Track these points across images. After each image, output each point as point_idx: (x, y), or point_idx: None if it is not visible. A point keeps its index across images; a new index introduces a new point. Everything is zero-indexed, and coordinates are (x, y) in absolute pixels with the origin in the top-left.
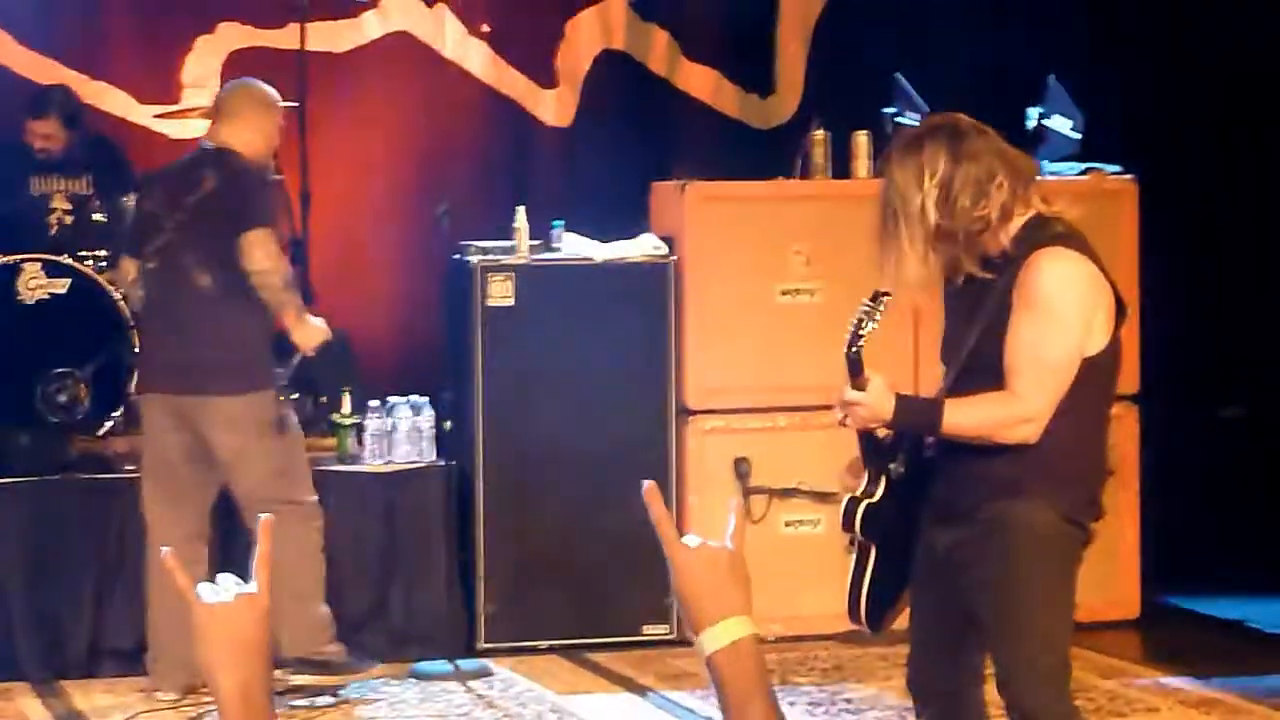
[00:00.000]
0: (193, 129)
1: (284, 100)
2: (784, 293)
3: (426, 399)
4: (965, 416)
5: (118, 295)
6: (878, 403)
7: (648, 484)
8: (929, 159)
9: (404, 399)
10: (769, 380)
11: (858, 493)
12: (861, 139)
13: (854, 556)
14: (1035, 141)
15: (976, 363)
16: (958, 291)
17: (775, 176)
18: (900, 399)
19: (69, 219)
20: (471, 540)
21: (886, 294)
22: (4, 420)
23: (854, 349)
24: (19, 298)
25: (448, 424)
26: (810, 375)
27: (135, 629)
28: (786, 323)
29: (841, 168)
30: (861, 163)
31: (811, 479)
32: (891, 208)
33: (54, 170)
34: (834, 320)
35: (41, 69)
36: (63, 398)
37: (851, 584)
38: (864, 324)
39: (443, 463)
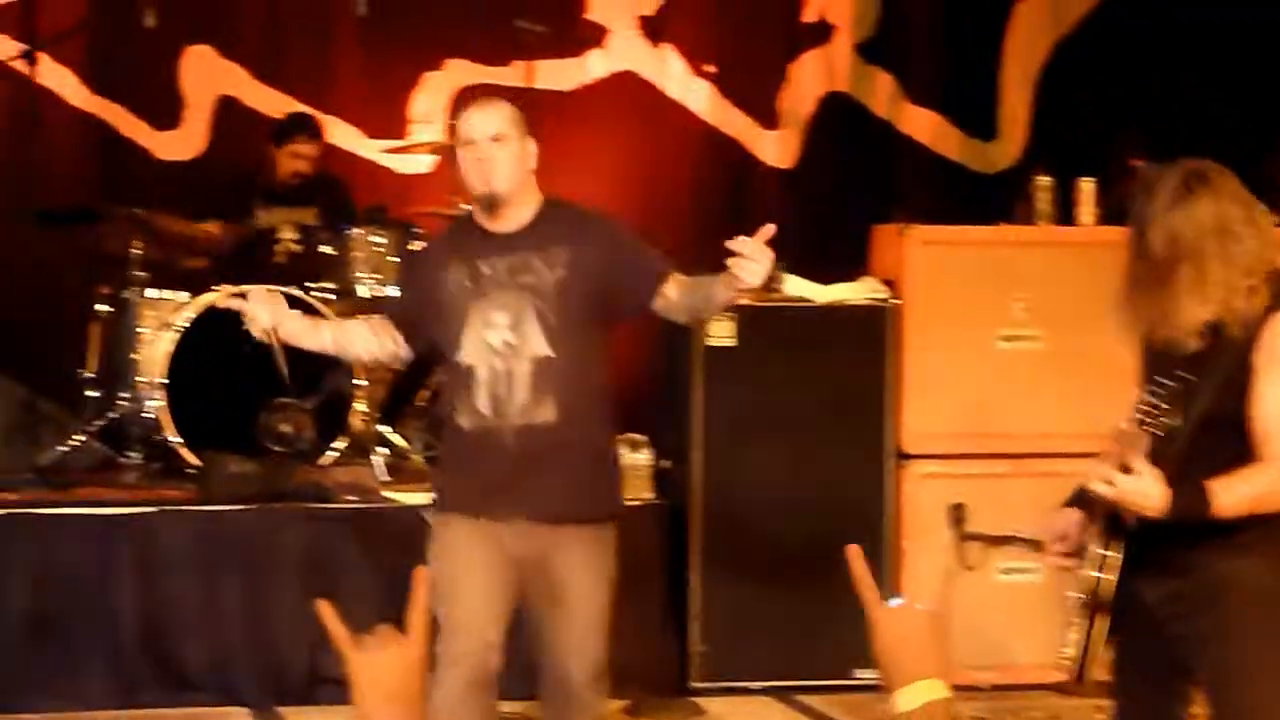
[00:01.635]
0: (418, 164)
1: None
2: (1004, 339)
3: (645, 438)
4: (1236, 496)
5: None
6: (1155, 492)
7: (851, 547)
8: (1208, 201)
9: (622, 437)
10: (987, 426)
11: (1098, 564)
12: (1086, 185)
13: (1085, 621)
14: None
15: (1215, 422)
16: (1163, 349)
17: (997, 222)
18: (1174, 490)
19: (297, 249)
20: (685, 580)
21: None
22: (228, 449)
23: (1148, 426)
24: (246, 327)
25: (665, 463)
26: (1028, 422)
27: None
28: (1006, 369)
29: (1065, 214)
30: (1086, 209)
31: (1028, 526)
32: (1169, 250)
33: (281, 202)
34: (1054, 368)
35: (272, 102)
36: (286, 428)
37: (1079, 647)
38: (1158, 409)
39: (659, 502)
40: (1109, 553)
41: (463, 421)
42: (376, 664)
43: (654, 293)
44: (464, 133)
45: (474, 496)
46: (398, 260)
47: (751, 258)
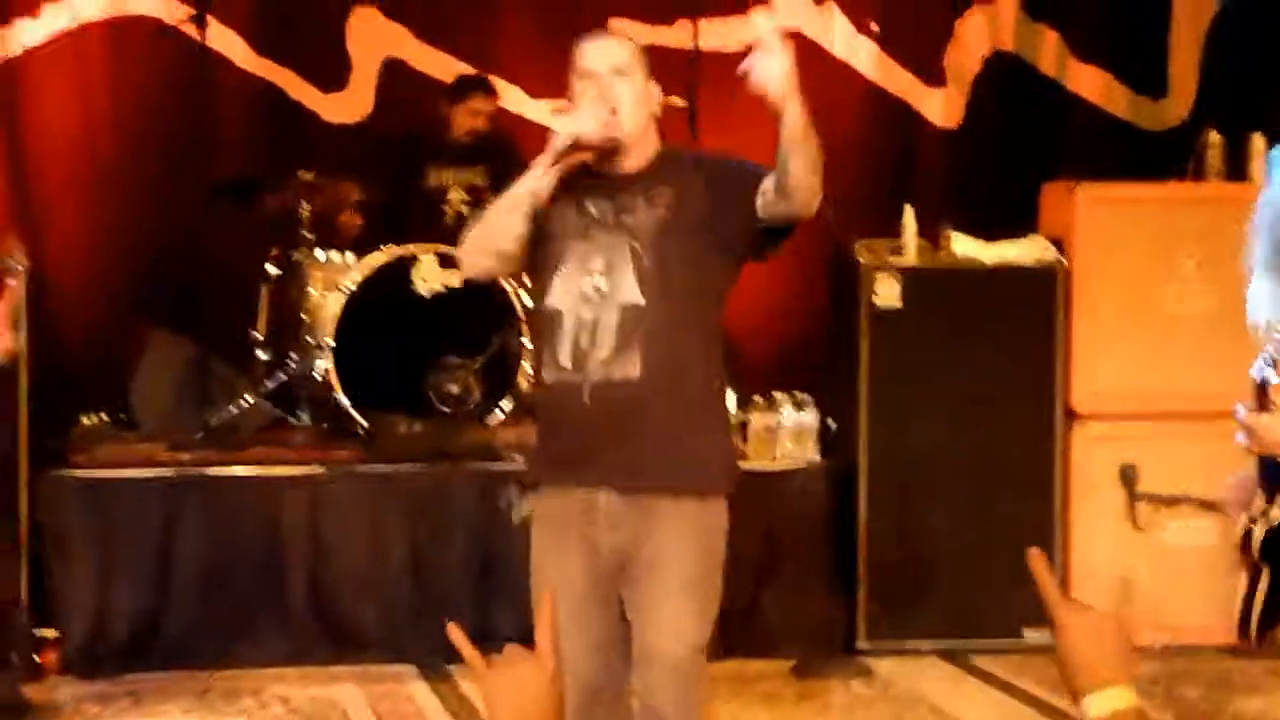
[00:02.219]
0: None
1: (675, 98)
2: (1175, 297)
3: (810, 398)
4: None
5: (510, 288)
6: None
7: (1033, 551)
8: None
9: (788, 397)
10: (1158, 386)
11: (1255, 515)
12: (1258, 141)
13: (1246, 575)
14: None
15: None
16: None
17: (1167, 179)
18: None
19: (465, 210)
20: (852, 540)
21: None
22: (396, 409)
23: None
24: (414, 288)
25: (831, 423)
26: (1200, 382)
27: (521, 616)
28: (1177, 328)
29: (1235, 170)
30: (1257, 165)
31: (1199, 487)
32: None
33: (453, 161)
34: (1225, 326)
35: (437, 63)
36: (454, 388)
37: (1244, 602)
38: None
39: (825, 462)
40: (1268, 504)
41: (546, 375)
42: (507, 684)
43: (752, 198)
44: (581, 64)
45: (560, 463)
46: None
47: (764, 52)
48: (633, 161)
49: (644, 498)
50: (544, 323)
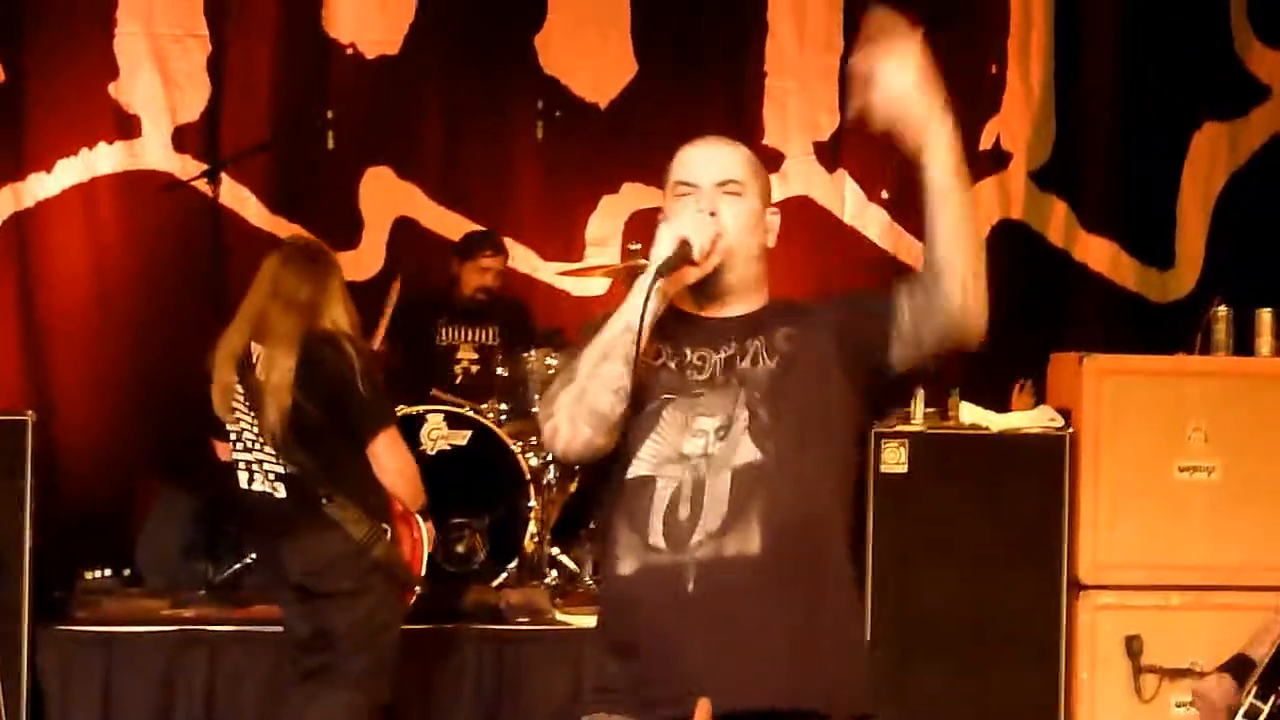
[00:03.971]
0: (594, 287)
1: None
2: (1181, 469)
3: None
4: None
5: (517, 448)
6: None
7: None
8: None
9: None
10: (1164, 558)
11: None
12: (1266, 316)
13: None
14: None
15: None
16: None
17: (1174, 351)
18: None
19: (474, 369)
20: None
21: None
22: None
23: None
24: (421, 447)
25: None
26: (1206, 554)
27: None
28: (1183, 500)
29: (1242, 344)
30: (1265, 340)
31: (1205, 660)
32: None
33: (464, 319)
34: (1232, 499)
35: (449, 223)
36: (459, 548)
37: None
38: None
39: None
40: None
41: (624, 564)
42: None
43: (888, 315)
44: (678, 174)
45: (635, 686)
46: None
47: (889, 52)
48: (740, 303)
49: None
50: (622, 498)
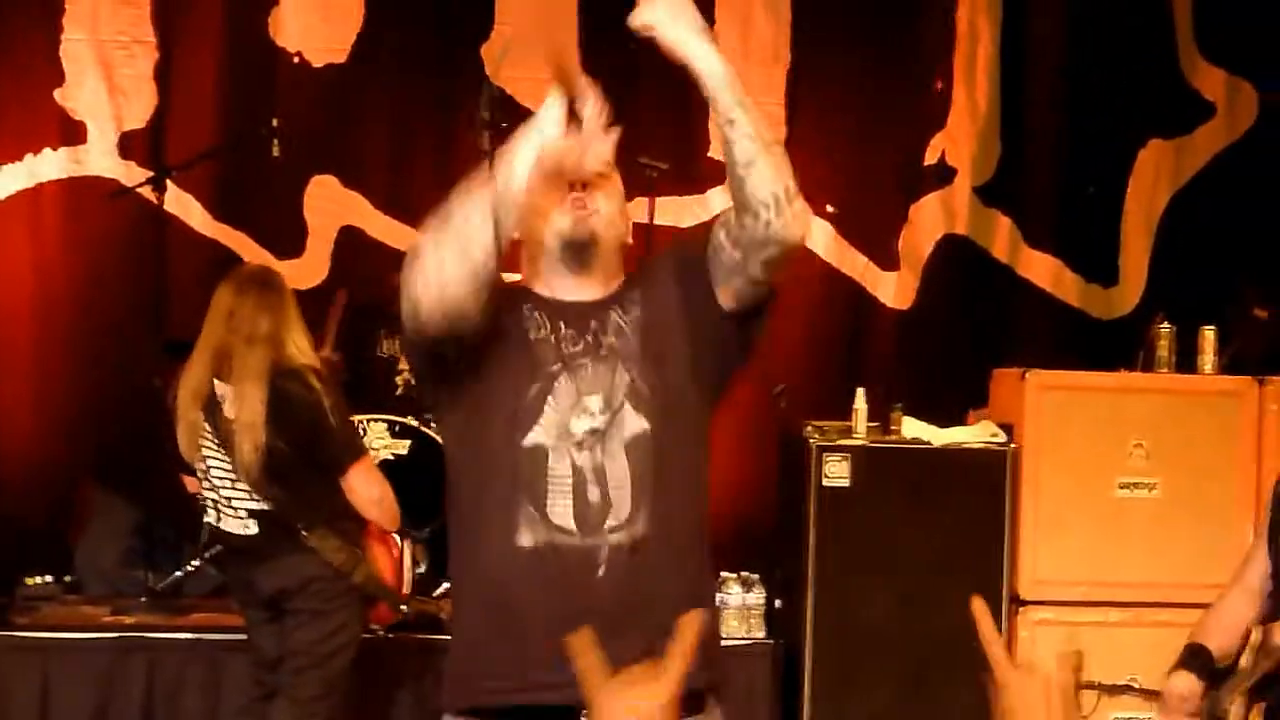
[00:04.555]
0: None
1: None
2: (1122, 485)
3: (757, 576)
4: None
5: None
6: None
7: (976, 599)
8: None
9: (734, 575)
10: (1104, 574)
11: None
12: (1208, 333)
13: None
14: None
15: None
16: None
17: (1116, 368)
18: None
19: (412, 380)
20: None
21: None
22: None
23: None
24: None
25: (777, 602)
26: (1146, 571)
27: None
28: (1124, 516)
29: (1185, 361)
30: (1207, 358)
31: (1144, 677)
32: None
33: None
34: (1173, 516)
35: (395, 232)
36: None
37: None
38: None
39: (771, 641)
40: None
41: (523, 538)
42: (622, 702)
43: (709, 241)
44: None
45: (523, 668)
46: None
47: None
48: (601, 287)
49: None
50: (517, 467)
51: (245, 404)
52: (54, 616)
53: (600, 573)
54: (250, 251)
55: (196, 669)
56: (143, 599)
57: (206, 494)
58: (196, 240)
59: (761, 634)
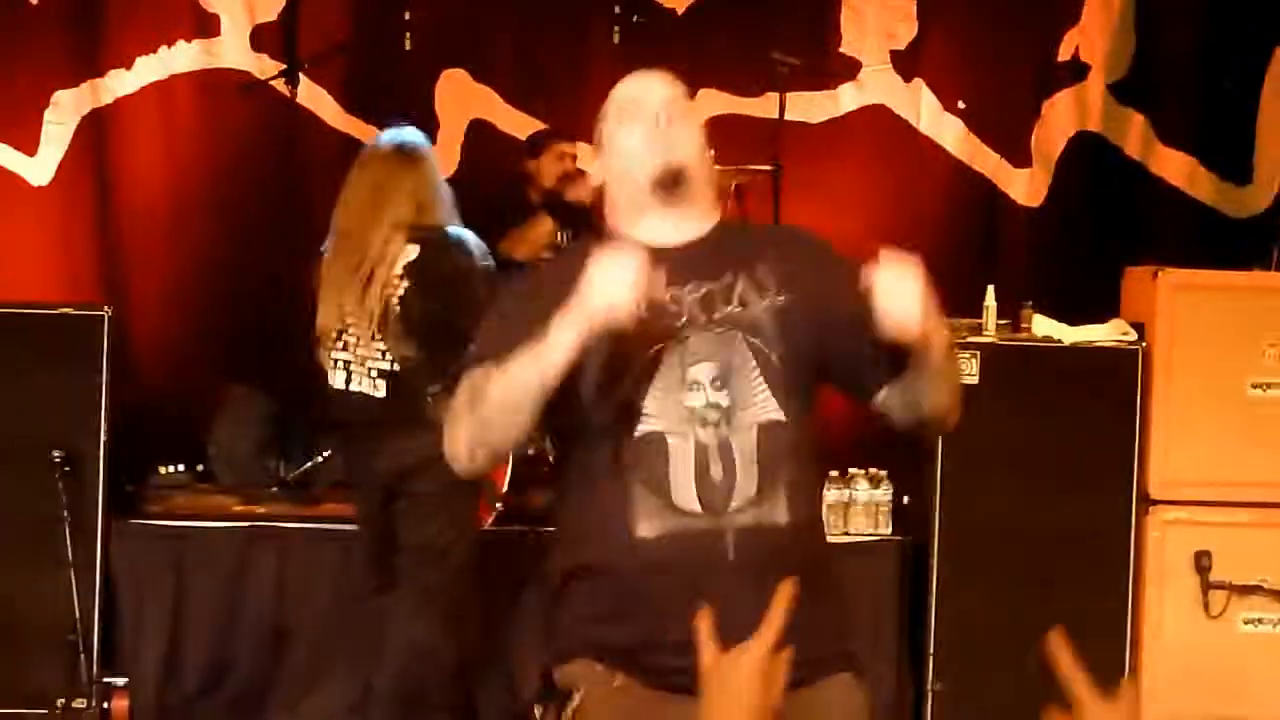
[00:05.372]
0: None
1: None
2: (1254, 386)
3: (885, 473)
4: None
5: None
6: None
7: (1054, 636)
8: None
9: (862, 471)
10: (1234, 474)
11: None
12: None
13: None
14: None
15: None
16: None
17: (1250, 267)
18: None
19: None
20: (923, 617)
21: None
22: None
23: None
24: None
25: (905, 499)
26: (1277, 471)
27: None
28: (1255, 416)
29: None
30: None
31: (1274, 577)
32: None
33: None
34: None
35: (525, 126)
36: (529, 450)
37: None
38: None
39: (898, 537)
40: None
41: (643, 528)
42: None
43: (879, 382)
44: (623, 105)
45: (638, 650)
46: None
47: (893, 291)
48: (697, 226)
49: (810, 690)
50: (634, 456)
51: (388, 257)
52: (186, 506)
53: (730, 556)
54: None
55: (326, 558)
56: (274, 489)
57: (337, 355)
58: (328, 133)
59: (888, 530)
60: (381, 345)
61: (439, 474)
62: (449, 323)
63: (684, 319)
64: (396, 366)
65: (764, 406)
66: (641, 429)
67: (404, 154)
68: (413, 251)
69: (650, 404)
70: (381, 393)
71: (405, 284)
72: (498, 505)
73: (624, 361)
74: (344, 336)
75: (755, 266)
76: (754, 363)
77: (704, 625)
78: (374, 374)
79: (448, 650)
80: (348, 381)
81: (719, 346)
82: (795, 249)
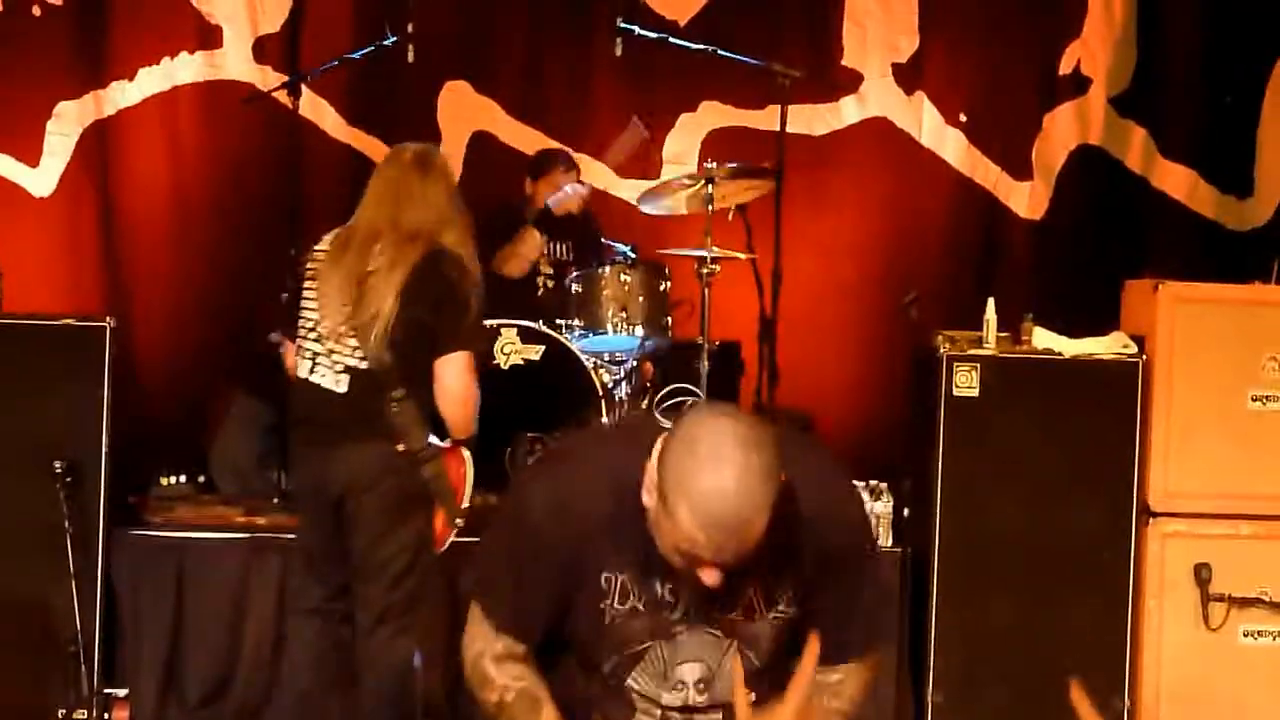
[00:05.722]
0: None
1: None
2: (1255, 398)
3: (886, 485)
4: None
5: (589, 364)
6: None
7: (1074, 684)
8: None
9: (863, 484)
10: (1234, 486)
11: None
12: None
13: None
14: None
15: None
16: None
17: (1251, 280)
18: None
19: (550, 284)
20: (923, 628)
21: None
22: (473, 481)
23: None
24: (494, 361)
25: (905, 510)
26: (1277, 484)
27: None
28: (1256, 430)
29: None
30: None
31: (1274, 590)
32: None
33: (543, 232)
34: None
35: (527, 139)
36: (531, 461)
37: None
38: None
39: (899, 549)
40: None
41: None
42: None
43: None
44: (706, 528)
45: None
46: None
47: None
48: None
49: None
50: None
51: (392, 262)
52: (188, 516)
53: None
54: (382, 155)
55: None
56: (275, 500)
57: (308, 345)
58: (330, 145)
59: (889, 542)
60: (354, 341)
61: (392, 489)
62: (426, 330)
63: (680, 613)
64: (364, 364)
65: (728, 695)
66: (618, 684)
67: (425, 162)
68: (416, 258)
69: (632, 681)
70: (343, 388)
71: (399, 290)
72: (458, 522)
73: (611, 649)
74: (319, 328)
75: (779, 573)
76: (740, 670)
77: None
78: (339, 369)
79: (426, 668)
80: (311, 372)
81: (712, 650)
82: (829, 558)
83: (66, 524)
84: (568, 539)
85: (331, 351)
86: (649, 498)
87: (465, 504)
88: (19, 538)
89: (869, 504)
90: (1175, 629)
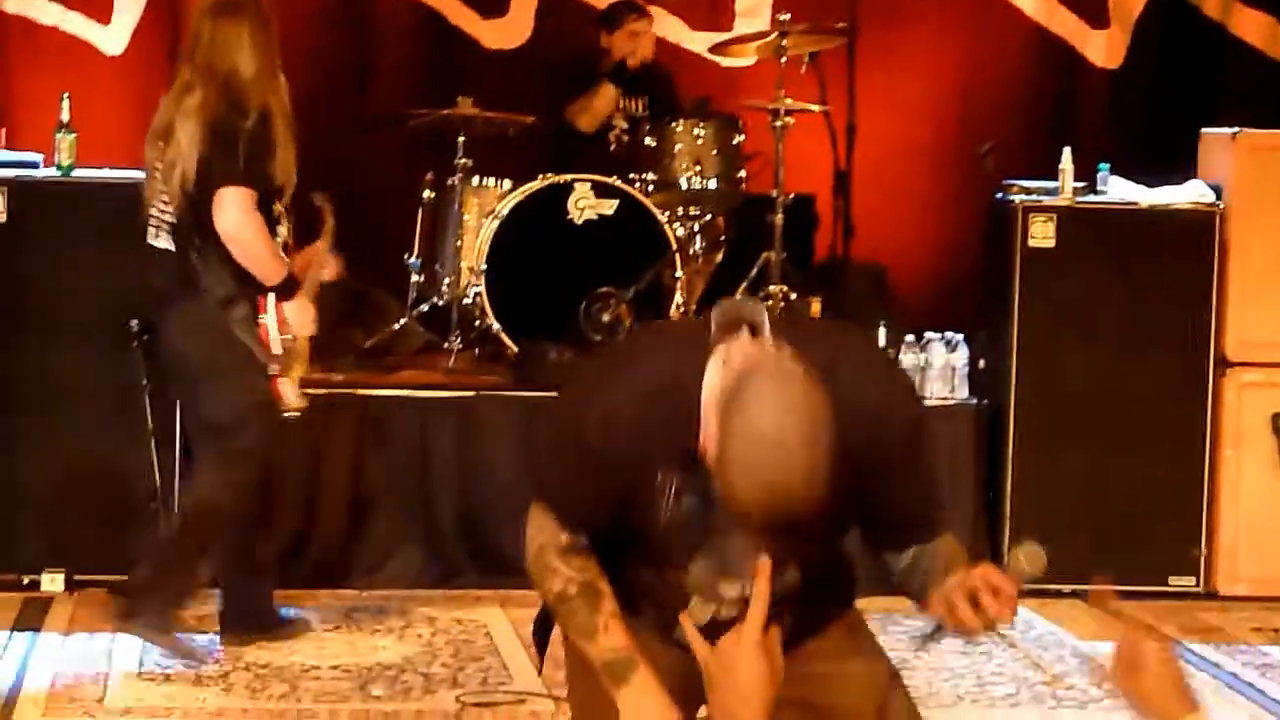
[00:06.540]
0: (741, 58)
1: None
2: None
3: (961, 337)
4: None
5: (664, 219)
6: None
7: (1097, 586)
8: None
9: (939, 336)
10: None
11: None
12: None
13: None
14: None
15: None
16: None
17: None
18: None
19: (625, 139)
20: (999, 480)
21: None
22: (547, 335)
23: None
24: (569, 216)
25: (981, 363)
26: None
27: None
28: None
29: None
30: None
31: None
32: None
33: (617, 86)
34: None
35: None
36: (605, 317)
37: None
38: None
39: (974, 401)
40: None
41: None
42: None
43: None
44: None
45: None
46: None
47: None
48: None
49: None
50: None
51: (184, 114)
52: None
53: None
54: (455, 12)
55: (404, 425)
56: (352, 356)
57: (152, 212)
58: (400, 2)
59: (965, 394)
60: (165, 196)
61: (204, 343)
62: (212, 170)
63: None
64: (173, 218)
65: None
66: (677, 577)
67: (225, 6)
68: (210, 108)
69: (690, 573)
70: (169, 244)
71: (190, 135)
72: (271, 368)
73: (668, 543)
74: (157, 188)
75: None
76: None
77: (688, 625)
78: (166, 228)
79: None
80: (156, 235)
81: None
82: (885, 463)
83: (145, 382)
84: (622, 445)
85: (162, 212)
86: (709, 446)
87: (276, 351)
88: (97, 397)
89: (944, 356)
90: (1252, 478)
